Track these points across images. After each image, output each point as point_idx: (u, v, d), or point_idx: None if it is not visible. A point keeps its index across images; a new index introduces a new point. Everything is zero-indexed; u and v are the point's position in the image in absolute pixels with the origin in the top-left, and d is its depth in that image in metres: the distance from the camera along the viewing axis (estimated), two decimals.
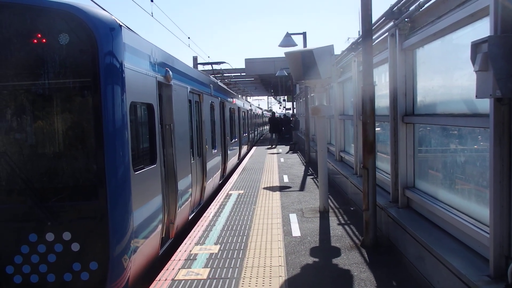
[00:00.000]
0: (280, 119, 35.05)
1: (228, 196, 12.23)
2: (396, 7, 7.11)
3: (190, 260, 6.88)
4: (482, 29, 4.62)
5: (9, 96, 5.31)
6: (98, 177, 5.16)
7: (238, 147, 21.17)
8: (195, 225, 9.13)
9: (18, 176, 5.24)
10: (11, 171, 5.24)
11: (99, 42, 5.13)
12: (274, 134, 32.04)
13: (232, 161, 18.04)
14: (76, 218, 5.19)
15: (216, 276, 6.16)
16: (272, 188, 13.33)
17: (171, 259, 6.96)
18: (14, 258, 5.18)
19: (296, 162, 20.72)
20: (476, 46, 4.09)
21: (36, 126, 5.40)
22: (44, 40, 5.13)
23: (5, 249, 5.20)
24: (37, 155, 5.40)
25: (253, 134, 34.60)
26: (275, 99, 76.25)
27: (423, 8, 6.33)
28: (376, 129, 8.07)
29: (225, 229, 8.66)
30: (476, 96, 4.18)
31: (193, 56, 30.01)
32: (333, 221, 9.23)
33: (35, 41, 5.13)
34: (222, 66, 25.62)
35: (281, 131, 33.53)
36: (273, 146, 30.97)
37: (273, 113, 36.75)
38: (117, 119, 5.23)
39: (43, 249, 5.16)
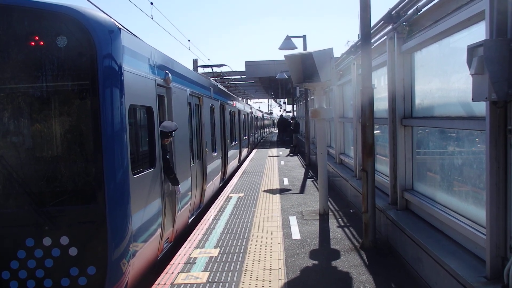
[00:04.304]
0: (287, 121, 38.18)
1: (228, 199, 12.24)
2: (394, 11, 7.14)
3: (190, 263, 6.89)
4: (478, 33, 4.65)
5: (6, 99, 5.27)
6: (97, 180, 5.13)
7: (238, 150, 21.17)
8: (194, 228, 9.14)
9: (15, 179, 5.19)
10: (8, 175, 5.19)
11: (98, 44, 5.11)
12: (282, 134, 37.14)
13: (232, 164, 18.04)
14: (74, 222, 5.14)
15: (216, 280, 6.17)
16: (272, 191, 13.34)
17: (171, 263, 6.96)
18: (10, 263, 5.13)
19: (296, 165, 20.72)
20: (472, 50, 4.12)
21: (34, 129, 5.36)
22: (42, 43, 5.11)
23: (1, 254, 5.15)
24: (35, 158, 5.36)
25: (253, 137, 34.63)
26: (276, 101, 76.26)
27: (421, 12, 6.35)
28: (375, 131, 8.09)
29: (225, 232, 8.67)
30: (472, 99, 4.22)
31: (193, 59, 30.04)
32: (332, 223, 9.24)
33: (33, 43, 5.11)
34: (222, 69, 25.63)
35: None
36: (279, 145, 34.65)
37: (281, 115, 44.22)
38: (115, 122, 5.21)
39: (40, 254, 5.11)
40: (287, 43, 16.64)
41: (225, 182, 15.70)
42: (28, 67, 5.17)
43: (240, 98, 29.93)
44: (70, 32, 5.10)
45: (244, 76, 32.72)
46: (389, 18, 7.35)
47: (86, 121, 5.27)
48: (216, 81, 18.46)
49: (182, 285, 6.05)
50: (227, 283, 6.02)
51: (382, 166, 9.06)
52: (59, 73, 5.16)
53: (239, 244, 7.82)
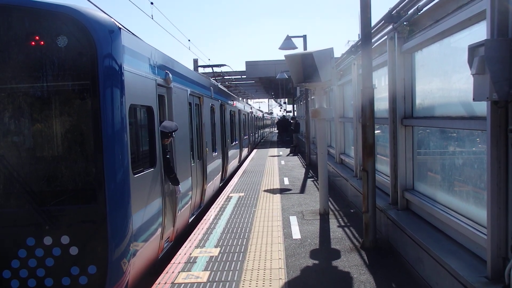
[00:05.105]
0: (287, 120, 39.03)
1: (228, 198, 12.24)
2: (395, 10, 7.13)
3: (190, 263, 6.89)
4: (479, 32, 4.65)
5: (7, 99, 5.27)
6: (97, 180, 5.13)
7: (238, 150, 21.17)
8: (195, 228, 9.14)
9: (16, 179, 5.19)
10: (9, 175, 5.20)
11: (98, 44, 5.11)
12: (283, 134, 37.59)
13: (232, 163, 18.04)
14: (75, 222, 5.15)
15: (216, 279, 6.17)
16: (272, 191, 13.34)
17: (171, 262, 6.96)
18: (11, 262, 5.13)
19: (296, 165, 20.72)
20: (473, 50, 4.12)
21: (35, 129, 5.36)
22: (42, 43, 5.11)
23: (2, 253, 5.15)
24: (35, 158, 5.36)
25: (253, 137, 34.63)
26: (276, 101, 76.25)
27: (421, 11, 6.35)
28: (376, 131, 8.09)
29: (225, 232, 8.67)
30: (473, 99, 4.22)
31: (194, 59, 30.06)
32: (333, 223, 9.24)
33: (34, 43, 5.10)
34: (223, 69, 25.60)
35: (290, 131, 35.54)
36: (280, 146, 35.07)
37: (283, 115, 46.34)
38: (116, 122, 5.21)
39: (41, 253, 5.12)
40: (287, 43, 16.61)
41: (225, 181, 15.70)
42: (28, 67, 5.16)
43: (240, 98, 29.93)
44: (70, 32, 5.09)
45: (245, 76, 32.72)
46: (389, 18, 7.34)
47: (87, 121, 5.27)
48: (216, 81, 18.46)
49: (183, 284, 6.05)
50: (228, 283, 6.02)
51: (383, 166, 9.06)
52: (59, 73, 5.15)
53: (239, 243, 7.82)
